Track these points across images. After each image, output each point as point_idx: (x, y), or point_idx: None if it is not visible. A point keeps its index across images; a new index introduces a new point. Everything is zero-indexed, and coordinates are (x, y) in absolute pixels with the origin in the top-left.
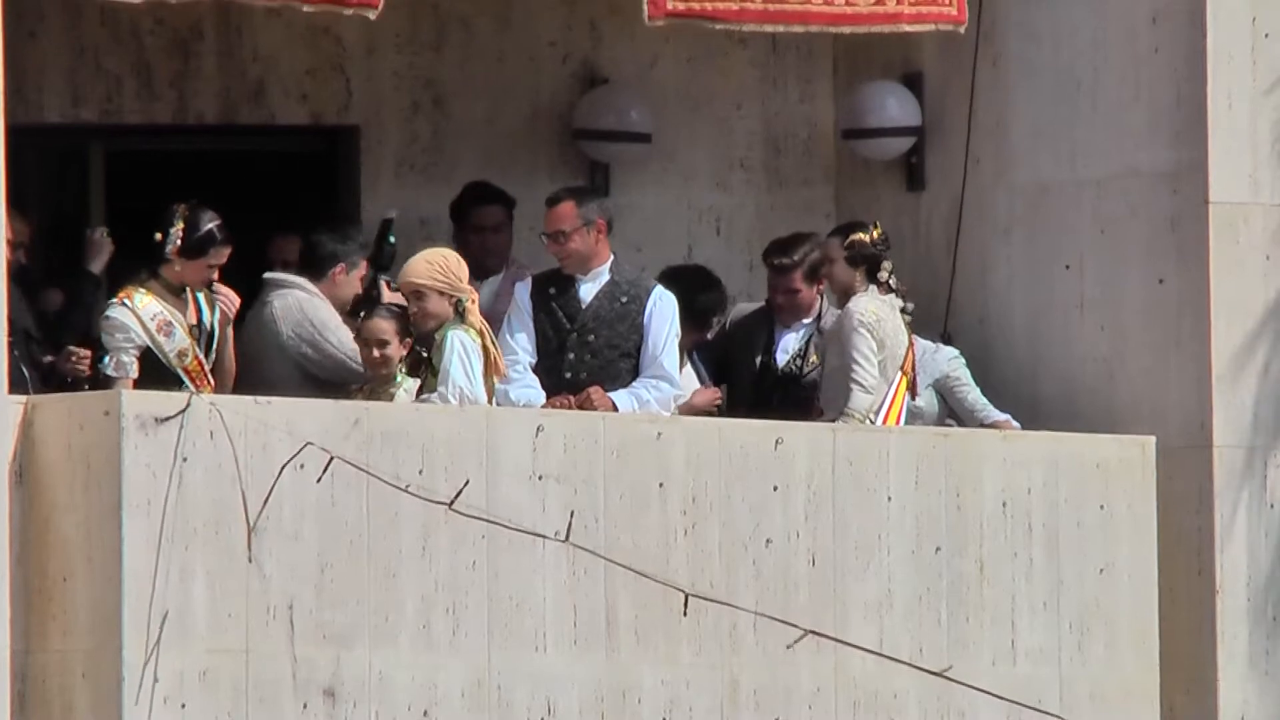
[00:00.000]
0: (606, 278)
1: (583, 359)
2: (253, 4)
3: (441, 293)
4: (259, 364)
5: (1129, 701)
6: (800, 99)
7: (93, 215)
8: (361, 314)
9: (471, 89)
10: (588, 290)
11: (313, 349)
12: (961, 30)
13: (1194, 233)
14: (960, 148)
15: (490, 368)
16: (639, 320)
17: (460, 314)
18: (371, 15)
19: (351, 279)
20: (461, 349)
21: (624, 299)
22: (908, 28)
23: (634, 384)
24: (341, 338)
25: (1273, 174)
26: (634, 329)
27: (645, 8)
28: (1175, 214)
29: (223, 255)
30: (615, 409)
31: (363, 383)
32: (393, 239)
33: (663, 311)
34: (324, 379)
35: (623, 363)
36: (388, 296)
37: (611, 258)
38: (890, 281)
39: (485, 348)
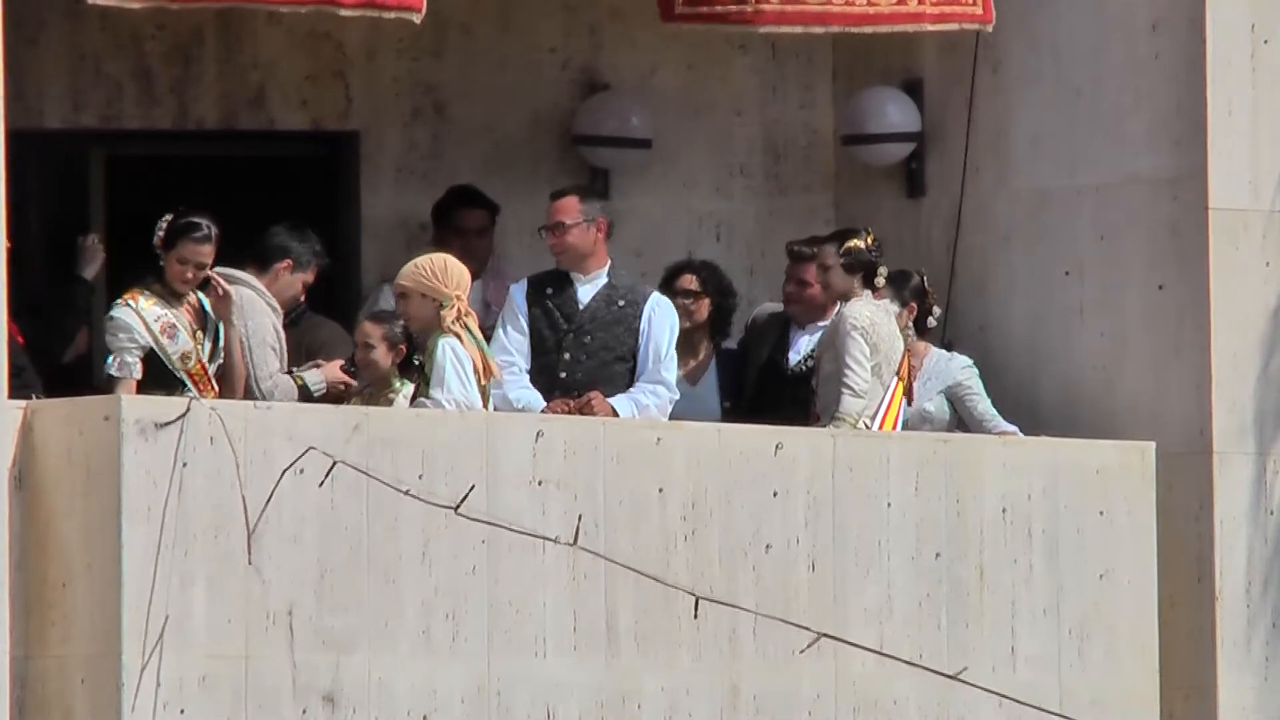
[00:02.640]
0: (604, 281)
1: (578, 360)
2: (279, 8)
3: (423, 295)
4: None
5: (1129, 708)
6: (800, 105)
7: (93, 221)
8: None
9: (471, 95)
10: (585, 292)
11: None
12: (989, 29)
13: (1194, 239)
14: (960, 154)
15: (483, 369)
16: (635, 325)
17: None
18: (416, 19)
19: (294, 280)
20: (454, 356)
21: (621, 303)
22: (930, 27)
23: (632, 389)
24: (265, 358)
25: (1273, 180)
26: (630, 333)
27: (659, 13)
28: (1175, 220)
29: (198, 252)
30: (616, 414)
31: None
32: None
33: (661, 318)
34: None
35: (617, 366)
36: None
37: (610, 262)
38: (924, 284)
39: (475, 351)
